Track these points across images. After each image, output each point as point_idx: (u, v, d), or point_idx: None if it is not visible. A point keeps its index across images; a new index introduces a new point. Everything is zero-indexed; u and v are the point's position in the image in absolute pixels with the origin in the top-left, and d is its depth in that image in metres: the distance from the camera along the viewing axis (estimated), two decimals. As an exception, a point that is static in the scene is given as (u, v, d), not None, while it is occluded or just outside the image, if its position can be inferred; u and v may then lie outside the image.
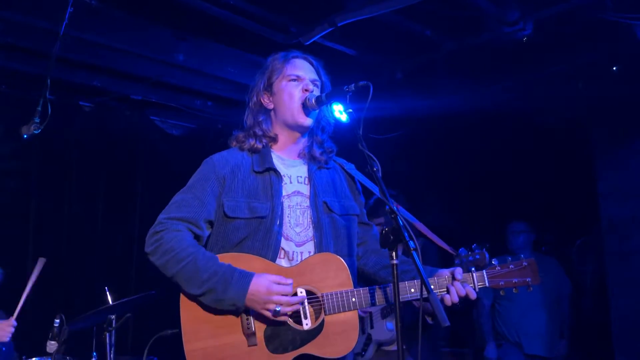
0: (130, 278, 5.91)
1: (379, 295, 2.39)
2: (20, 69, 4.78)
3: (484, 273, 2.44)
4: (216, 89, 5.53)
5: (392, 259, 2.07)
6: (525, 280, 2.46)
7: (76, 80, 5.05)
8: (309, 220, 2.50)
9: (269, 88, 2.60)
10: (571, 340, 5.37)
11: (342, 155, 2.82)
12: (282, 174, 2.52)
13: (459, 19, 4.49)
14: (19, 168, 5.45)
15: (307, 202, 2.53)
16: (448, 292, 2.38)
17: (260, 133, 2.57)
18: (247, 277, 2.28)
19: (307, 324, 2.33)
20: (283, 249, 2.43)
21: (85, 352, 4.06)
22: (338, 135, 2.73)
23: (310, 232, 2.48)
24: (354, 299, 2.36)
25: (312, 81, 2.58)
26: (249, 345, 2.30)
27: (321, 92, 2.58)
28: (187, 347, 2.30)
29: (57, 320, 3.69)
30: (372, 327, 4.29)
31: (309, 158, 2.61)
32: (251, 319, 2.31)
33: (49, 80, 3.48)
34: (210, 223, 2.48)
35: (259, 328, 2.32)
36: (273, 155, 2.57)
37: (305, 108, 2.51)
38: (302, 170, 2.60)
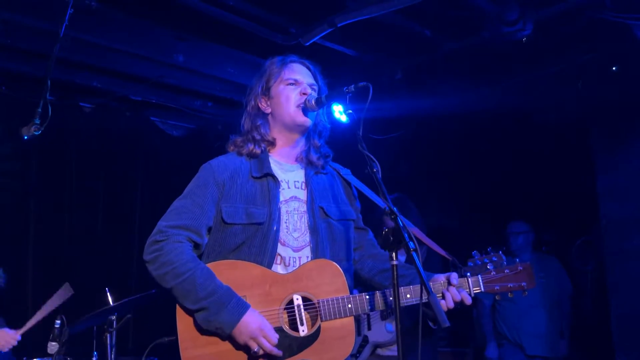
0: (130, 279, 5.91)
1: (375, 301, 2.39)
2: (21, 70, 4.78)
3: (479, 278, 2.45)
4: (216, 90, 5.53)
5: (392, 259, 2.08)
6: (520, 284, 2.46)
7: (76, 81, 5.05)
8: (305, 225, 2.50)
9: (266, 92, 2.60)
10: (571, 340, 5.38)
11: (342, 156, 2.83)
12: (279, 179, 2.52)
13: (458, 19, 4.49)
14: (19, 169, 5.46)
15: (304, 207, 2.53)
16: (443, 297, 2.38)
17: (258, 137, 2.57)
18: (242, 307, 2.27)
19: (303, 331, 2.33)
20: (279, 254, 2.43)
21: (86, 353, 4.06)
22: (337, 137, 2.73)
23: (307, 237, 2.49)
24: (349, 305, 2.36)
25: (310, 85, 2.58)
26: (245, 353, 2.30)
27: (318, 96, 2.58)
28: (183, 355, 2.29)
29: (58, 321, 3.70)
30: (369, 329, 4.28)
31: (306, 163, 2.62)
32: None
33: (49, 81, 3.48)
34: (210, 230, 2.48)
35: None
36: (271, 160, 2.56)
37: (305, 109, 2.51)
38: (299, 175, 2.60)
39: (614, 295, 5.22)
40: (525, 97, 5.40)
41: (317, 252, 2.45)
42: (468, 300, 2.40)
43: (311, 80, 2.61)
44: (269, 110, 2.60)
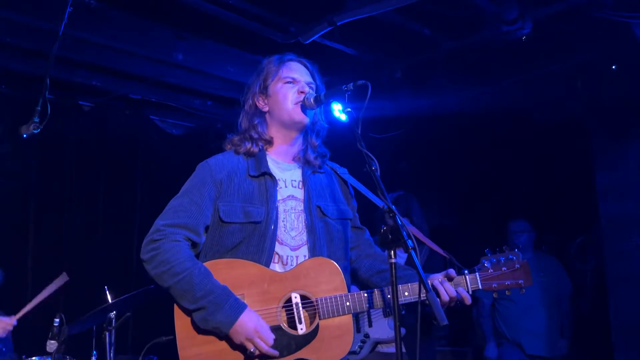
0: (130, 277, 5.91)
1: (373, 299, 2.39)
2: (20, 69, 4.79)
3: (477, 276, 2.45)
4: (215, 89, 5.54)
5: (390, 258, 2.08)
6: (517, 282, 2.46)
7: (75, 79, 5.05)
8: (303, 224, 2.50)
9: (264, 91, 2.59)
10: (571, 339, 5.38)
11: (341, 154, 2.83)
12: (277, 178, 2.52)
13: (458, 18, 4.49)
14: (19, 168, 5.46)
15: (301, 206, 2.52)
16: (439, 294, 2.37)
17: (256, 136, 2.56)
18: (239, 307, 2.26)
19: (301, 329, 2.33)
20: (277, 253, 2.43)
21: (85, 351, 4.06)
22: (336, 135, 2.73)
23: (304, 236, 2.48)
24: (348, 303, 2.36)
25: (308, 84, 2.58)
26: (243, 352, 2.29)
27: (317, 94, 2.57)
28: (181, 354, 2.29)
29: (57, 320, 3.70)
30: (370, 326, 4.28)
31: (304, 162, 2.61)
32: None
33: (48, 80, 3.48)
34: (207, 228, 2.47)
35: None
36: (268, 159, 2.56)
37: (303, 107, 2.51)
38: (296, 174, 2.59)
39: (614, 295, 5.22)
40: (525, 96, 5.40)
41: (315, 251, 2.45)
42: (468, 300, 2.40)
43: (309, 79, 2.61)
44: (266, 109, 2.59)
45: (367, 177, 2.35)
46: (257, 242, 2.40)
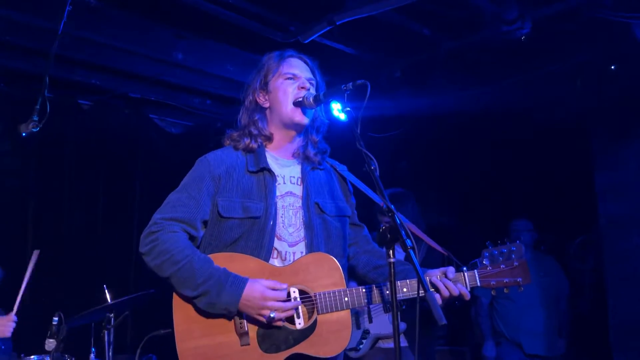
0: (129, 276, 5.91)
1: (372, 294, 2.40)
2: (19, 67, 4.79)
3: (476, 273, 2.45)
4: (215, 88, 5.54)
5: (389, 257, 2.08)
6: (516, 280, 2.46)
7: (75, 78, 5.06)
8: (300, 220, 2.51)
9: (264, 87, 2.60)
10: (569, 338, 5.38)
11: (340, 153, 2.83)
12: (276, 174, 2.52)
13: (457, 18, 4.49)
14: (18, 166, 5.45)
15: (299, 203, 2.53)
16: (438, 290, 2.38)
17: (255, 132, 2.56)
18: (241, 281, 2.27)
19: (300, 324, 2.34)
20: (276, 249, 2.44)
21: (84, 350, 4.06)
22: (335, 135, 2.73)
23: (302, 233, 2.49)
24: (346, 299, 2.36)
25: (308, 80, 2.58)
26: (241, 345, 2.30)
27: (316, 92, 2.58)
28: (179, 347, 2.30)
29: (56, 318, 3.70)
30: (370, 322, 4.29)
31: (303, 158, 2.61)
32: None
33: (47, 79, 3.48)
34: (205, 223, 2.47)
35: (251, 328, 2.32)
36: (267, 155, 2.56)
37: (303, 106, 2.51)
38: (295, 170, 2.60)
39: (612, 294, 5.23)
40: (524, 96, 5.40)
41: (312, 248, 2.46)
42: (467, 295, 2.40)
43: (309, 75, 2.61)
44: (267, 105, 2.60)
45: (367, 176, 2.36)
46: (256, 238, 2.40)
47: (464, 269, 2.44)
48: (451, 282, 2.38)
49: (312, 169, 2.62)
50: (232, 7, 4.21)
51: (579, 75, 5.01)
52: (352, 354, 4.31)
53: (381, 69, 5.26)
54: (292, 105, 2.52)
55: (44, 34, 4.01)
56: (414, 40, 4.88)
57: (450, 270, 2.41)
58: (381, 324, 4.25)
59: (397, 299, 2.27)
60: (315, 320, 2.34)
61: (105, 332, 3.75)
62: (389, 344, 4.29)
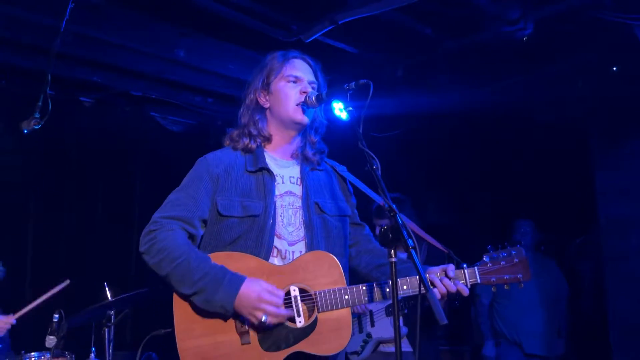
0: (129, 273, 5.92)
1: (372, 292, 2.39)
2: (21, 64, 4.79)
3: (476, 269, 2.44)
4: (217, 86, 5.54)
5: (391, 257, 2.08)
6: (516, 276, 2.46)
7: (77, 75, 5.06)
8: (300, 220, 2.50)
9: (266, 87, 2.59)
10: (569, 339, 5.39)
11: (341, 153, 2.83)
12: (275, 173, 2.52)
13: (459, 18, 4.49)
14: (19, 163, 5.46)
15: (299, 203, 2.53)
16: (435, 287, 2.38)
17: (255, 132, 2.56)
18: (238, 280, 2.27)
19: (300, 322, 2.33)
20: (276, 247, 2.44)
21: (84, 347, 4.07)
22: (336, 134, 2.73)
23: (301, 232, 2.49)
24: (346, 297, 2.36)
25: (310, 83, 2.57)
26: (242, 344, 2.30)
27: (319, 92, 2.57)
28: (180, 346, 2.29)
29: (56, 316, 3.71)
30: (372, 325, 4.29)
31: (302, 159, 2.61)
32: None
33: (49, 76, 3.49)
34: (205, 222, 2.48)
35: (252, 326, 2.32)
36: (266, 156, 2.56)
37: (305, 106, 2.51)
38: (294, 170, 2.60)
39: (612, 295, 5.23)
40: (525, 96, 5.40)
41: (312, 247, 2.45)
42: (465, 291, 2.39)
43: (312, 78, 2.61)
44: (267, 105, 2.59)
45: (368, 177, 2.36)
46: (256, 236, 2.40)
47: (464, 265, 2.44)
48: (448, 280, 2.37)
49: (312, 170, 2.62)
50: (234, 6, 4.21)
51: (580, 76, 5.01)
52: (354, 358, 4.30)
53: (383, 68, 5.26)
54: (294, 106, 2.51)
55: (46, 31, 4.01)
56: (416, 40, 4.88)
57: (450, 268, 2.40)
58: (383, 327, 4.24)
59: (399, 297, 2.28)
60: (316, 319, 2.34)
61: (106, 329, 3.75)
62: (390, 347, 4.27)
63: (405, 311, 4.01)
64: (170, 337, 2.33)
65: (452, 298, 2.40)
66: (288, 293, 2.35)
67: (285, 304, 2.35)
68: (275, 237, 2.44)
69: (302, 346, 2.32)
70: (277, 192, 2.50)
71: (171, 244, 2.33)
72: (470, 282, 2.43)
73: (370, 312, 4.30)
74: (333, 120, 2.62)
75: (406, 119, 5.92)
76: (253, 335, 2.31)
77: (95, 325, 4.09)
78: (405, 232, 2.05)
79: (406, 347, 4.16)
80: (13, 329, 4.35)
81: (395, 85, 5.26)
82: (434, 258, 4.05)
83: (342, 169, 2.74)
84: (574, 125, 5.55)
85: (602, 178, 5.38)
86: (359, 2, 4.07)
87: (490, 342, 5.37)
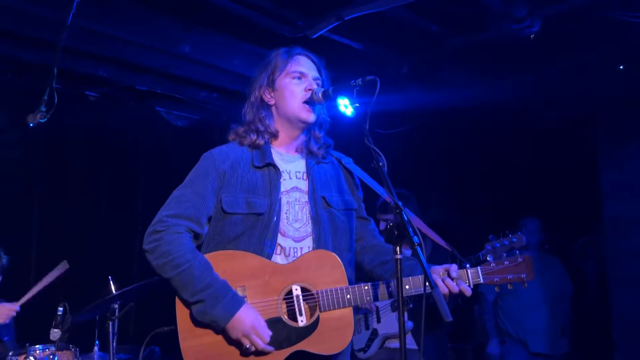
0: (133, 267, 5.94)
1: (374, 292, 2.39)
2: (27, 58, 4.79)
3: (479, 269, 2.43)
4: (222, 81, 5.54)
5: (396, 253, 2.08)
6: (520, 276, 2.45)
7: (82, 70, 5.05)
8: (307, 215, 2.50)
9: (271, 84, 2.58)
10: (572, 338, 5.39)
11: (347, 150, 2.82)
12: (281, 169, 2.52)
13: (466, 15, 4.48)
14: (24, 156, 5.48)
15: (305, 198, 2.52)
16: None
17: (262, 129, 2.56)
18: (238, 302, 2.28)
19: (302, 321, 2.34)
20: (280, 245, 2.43)
21: (88, 340, 4.08)
22: (341, 131, 2.73)
23: (309, 228, 2.49)
24: (348, 296, 2.36)
25: (315, 79, 2.57)
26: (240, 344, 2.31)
27: (325, 88, 2.57)
28: (183, 344, 2.30)
29: (61, 309, 3.72)
30: (378, 322, 4.28)
31: (307, 153, 2.61)
32: None
33: (55, 70, 3.48)
34: (210, 219, 2.47)
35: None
36: (273, 151, 2.56)
37: (311, 102, 2.50)
38: (300, 165, 2.60)
39: (615, 294, 5.23)
40: (531, 95, 5.39)
41: (320, 243, 2.45)
42: (468, 292, 2.39)
43: (316, 74, 2.60)
44: (272, 102, 2.59)
45: (374, 173, 2.35)
46: (260, 234, 2.40)
47: (467, 265, 2.44)
48: (450, 280, 2.37)
49: (317, 163, 2.61)
50: (240, 1, 4.21)
51: (586, 74, 5.00)
52: (361, 355, 4.30)
53: (388, 64, 5.26)
54: (300, 103, 2.51)
55: (52, 25, 4.01)
56: (422, 37, 4.87)
57: (453, 268, 2.39)
58: (389, 323, 4.23)
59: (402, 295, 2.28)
60: (318, 318, 2.35)
61: (110, 323, 3.76)
62: (396, 343, 4.25)
63: (411, 305, 4.00)
64: (173, 334, 2.35)
65: (455, 298, 2.40)
66: (290, 292, 2.36)
67: (287, 302, 2.36)
68: (279, 234, 2.43)
69: (304, 345, 2.32)
70: (283, 189, 2.50)
71: (176, 249, 2.33)
72: (473, 282, 2.42)
73: (377, 308, 4.29)
74: (337, 117, 2.62)
75: (411, 116, 5.91)
76: None
77: (100, 318, 4.10)
78: (410, 229, 2.05)
79: (412, 344, 4.15)
80: (18, 322, 4.37)
81: (400, 82, 5.26)
82: (438, 255, 4.05)
83: (347, 161, 2.74)
84: (579, 123, 5.54)
85: (607, 177, 5.37)
86: (365, -2, 4.07)
87: (495, 340, 5.37)
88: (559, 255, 5.59)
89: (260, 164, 2.50)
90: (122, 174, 6.13)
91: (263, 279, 2.36)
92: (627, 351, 5.08)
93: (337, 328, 2.35)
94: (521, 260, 2.46)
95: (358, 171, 2.71)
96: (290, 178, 2.55)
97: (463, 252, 2.61)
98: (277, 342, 2.31)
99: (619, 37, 4.49)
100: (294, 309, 2.35)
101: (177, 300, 2.35)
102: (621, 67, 4.84)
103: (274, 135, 2.59)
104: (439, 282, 2.37)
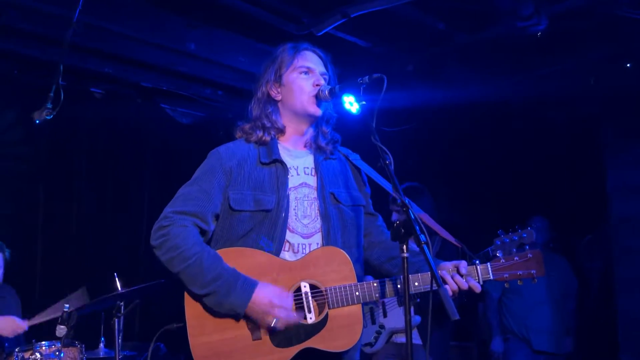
0: (139, 264, 5.95)
1: (383, 289, 2.38)
2: (33, 55, 4.80)
3: (489, 266, 2.41)
4: (227, 78, 5.53)
5: (403, 252, 2.07)
6: (530, 272, 2.43)
7: (88, 67, 5.06)
8: (316, 211, 2.49)
9: (278, 79, 2.58)
10: (577, 336, 5.37)
11: (353, 148, 2.82)
12: (288, 166, 2.51)
13: (472, 13, 4.46)
14: (30, 153, 5.49)
15: (314, 194, 2.52)
16: (446, 284, 2.36)
17: (269, 125, 2.55)
18: (251, 284, 2.27)
19: (311, 318, 2.33)
20: (288, 241, 2.43)
21: (94, 337, 4.10)
22: (347, 129, 2.72)
23: (317, 224, 2.48)
24: (357, 293, 2.35)
25: (322, 74, 2.57)
26: (253, 339, 2.30)
27: (332, 86, 2.56)
28: (192, 341, 2.30)
29: (67, 305, 3.73)
30: (385, 316, 4.27)
31: (315, 148, 2.60)
32: None
33: (61, 67, 3.49)
34: (217, 217, 2.47)
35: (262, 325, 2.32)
36: (280, 147, 2.55)
37: (318, 99, 2.50)
38: (308, 160, 2.59)
39: (621, 293, 5.21)
40: (538, 92, 5.37)
41: (329, 239, 2.44)
42: (477, 288, 2.37)
43: (323, 69, 2.60)
44: (279, 98, 2.58)
45: (381, 170, 2.35)
46: (268, 230, 2.40)
47: (477, 262, 2.42)
48: (459, 277, 2.36)
49: (325, 159, 2.60)
50: (246, -2, 4.21)
51: (593, 72, 4.97)
52: (367, 349, 4.29)
53: (394, 62, 5.24)
54: (308, 97, 2.50)
55: (58, 22, 4.02)
56: (428, 34, 4.85)
57: (463, 264, 2.38)
58: (395, 317, 4.22)
59: (410, 292, 2.27)
60: (327, 315, 2.34)
61: (115, 319, 3.77)
62: (403, 338, 4.24)
63: (417, 300, 3.99)
64: (181, 331, 2.34)
65: (462, 295, 2.39)
66: (299, 289, 2.35)
67: (295, 300, 2.35)
68: (287, 231, 2.43)
69: (313, 342, 2.32)
70: (291, 185, 2.49)
71: (183, 242, 2.32)
72: (482, 279, 2.41)
73: (383, 302, 4.28)
74: (344, 114, 2.61)
75: (417, 113, 5.89)
76: (264, 331, 2.31)
77: (105, 315, 4.11)
78: (417, 228, 2.04)
79: (418, 340, 4.14)
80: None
81: (406, 79, 5.24)
82: (447, 251, 4.04)
83: (355, 157, 2.73)
84: (586, 122, 5.51)
85: (613, 175, 5.35)
86: (371, -5, 4.05)
87: (499, 338, 5.36)
88: (565, 254, 5.57)
89: (267, 160, 2.49)
90: (128, 170, 6.14)
91: (272, 276, 2.35)
92: (633, 350, 5.06)
93: (346, 325, 2.34)
94: (531, 256, 2.44)
95: (365, 167, 2.70)
96: (298, 174, 2.54)
97: (470, 249, 2.60)
98: (286, 339, 2.31)
99: (627, 35, 4.47)
100: (303, 306, 2.34)
101: (186, 296, 2.35)
102: (628, 65, 4.82)
103: (281, 131, 2.58)
104: (448, 279, 2.36)
